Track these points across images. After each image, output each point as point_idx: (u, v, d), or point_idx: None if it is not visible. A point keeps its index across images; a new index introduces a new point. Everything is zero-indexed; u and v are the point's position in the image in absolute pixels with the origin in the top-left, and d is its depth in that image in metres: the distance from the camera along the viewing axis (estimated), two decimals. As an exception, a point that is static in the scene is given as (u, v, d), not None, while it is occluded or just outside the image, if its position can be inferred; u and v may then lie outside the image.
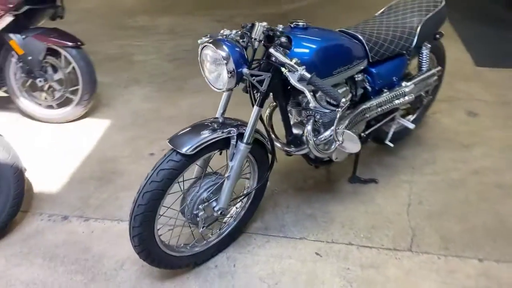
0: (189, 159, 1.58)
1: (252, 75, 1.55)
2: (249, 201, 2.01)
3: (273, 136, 2.01)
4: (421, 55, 2.27)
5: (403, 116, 2.56)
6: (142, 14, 4.95)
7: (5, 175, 2.05)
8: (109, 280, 1.89)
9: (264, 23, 1.60)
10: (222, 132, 1.63)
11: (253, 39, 1.57)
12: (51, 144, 2.87)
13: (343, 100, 1.48)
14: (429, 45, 2.24)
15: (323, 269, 1.92)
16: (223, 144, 1.67)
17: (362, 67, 1.95)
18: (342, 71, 1.81)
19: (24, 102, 2.99)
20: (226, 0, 5.33)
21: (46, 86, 2.93)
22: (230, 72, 1.50)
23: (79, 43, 2.84)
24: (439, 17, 2.21)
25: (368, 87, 2.05)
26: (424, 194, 2.32)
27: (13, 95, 2.97)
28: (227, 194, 1.74)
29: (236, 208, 2.03)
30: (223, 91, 1.59)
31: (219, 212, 1.75)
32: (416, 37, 2.11)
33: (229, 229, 2.01)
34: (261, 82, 1.60)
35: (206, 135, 1.59)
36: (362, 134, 2.17)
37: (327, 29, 1.87)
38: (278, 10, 4.97)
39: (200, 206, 1.73)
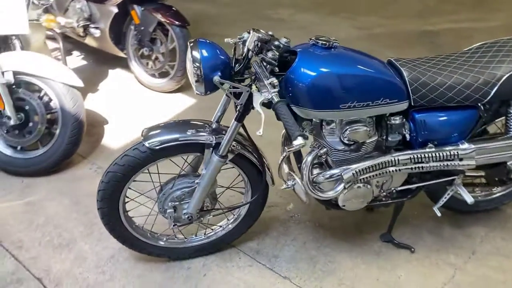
0: (154, 153, 1.55)
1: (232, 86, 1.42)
2: (241, 217, 1.88)
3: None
4: (509, 115, 1.71)
5: (485, 185, 2.01)
6: (288, 7, 4.97)
7: (66, 122, 2.37)
8: (99, 240, 2.04)
9: (262, 32, 1.43)
10: (199, 137, 1.55)
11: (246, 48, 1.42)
12: (142, 107, 3.18)
13: (298, 142, 1.22)
14: None
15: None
16: (200, 149, 1.59)
17: (399, 110, 1.58)
18: (358, 107, 1.49)
19: (134, 66, 3.38)
20: (381, 9, 4.93)
21: (153, 56, 3.24)
22: (197, 76, 1.40)
23: (185, 23, 3.04)
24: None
25: (407, 135, 1.66)
26: (465, 290, 1.80)
27: (128, 59, 3.37)
28: (195, 201, 1.66)
29: (228, 219, 1.93)
30: (199, 95, 1.50)
31: (186, 216, 1.69)
32: (494, 90, 1.58)
33: (215, 237, 1.93)
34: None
35: (179, 135, 1.54)
36: (394, 189, 1.78)
37: (360, 55, 1.57)
38: (429, 26, 4.37)
39: (170, 203, 1.69)
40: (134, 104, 3.22)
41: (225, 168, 1.73)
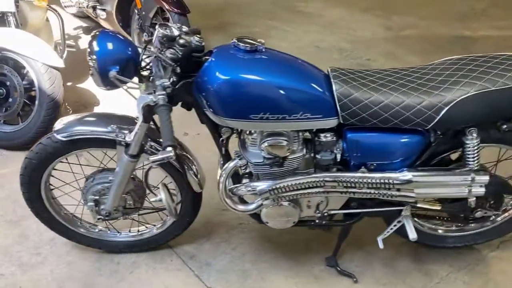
0: (65, 145, 1.51)
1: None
2: (172, 220, 1.80)
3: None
4: (465, 147, 1.45)
5: (448, 220, 1.77)
6: (320, 1, 4.73)
7: (42, 100, 2.42)
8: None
9: (174, 28, 1.33)
10: (109, 134, 1.48)
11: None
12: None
13: (166, 154, 1.10)
14: (475, 135, 1.43)
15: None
16: (113, 146, 1.52)
17: (326, 126, 1.40)
18: (272, 120, 1.34)
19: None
20: (420, 8, 4.53)
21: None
22: (92, 69, 1.33)
23: (185, 11, 2.98)
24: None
25: (338, 155, 1.47)
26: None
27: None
28: (111, 198, 1.61)
29: (162, 219, 1.86)
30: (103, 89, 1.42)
31: (103, 212, 1.65)
32: (440, 115, 1.34)
33: (148, 236, 1.87)
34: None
35: (89, 129, 1.49)
36: (328, 211, 1.60)
37: (288, 63, 1.40)
38: (467, 32, 3.94)
39: (90, 197, 1.66)
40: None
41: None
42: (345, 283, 1.79)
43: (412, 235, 1.59)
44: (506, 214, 1.81)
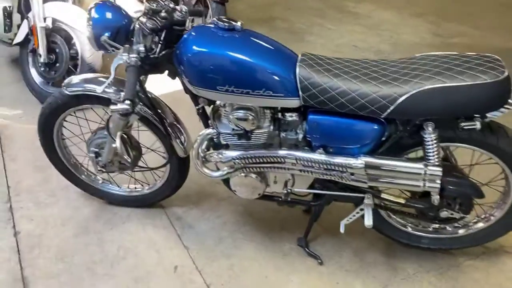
0: (71, 99, 1.76)
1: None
2: (163, 181, 2.00)
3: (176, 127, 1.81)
4: (424, 140, 1.47)
5: (416, 218, 1.77)
6: (372, 2, 4.69)
7: (82, 69, 2.75)
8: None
9: (161, 2, 1.50)
10: (106, 93, 1.70)
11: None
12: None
13: (122, 106, 1.27)
14: (431, 129, 1.44)
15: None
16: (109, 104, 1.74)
17: (289, 106, 1.50)
18: (237, 93, 1.46)
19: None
20: (476, 17, 4.32)
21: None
22: (88, 33, 1.54)
23: (223, 1, 3.18)
24: (476, 93, 1.33)
25: (300, 135, 1.56)
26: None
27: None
28: (105, 152, 1.83)
29: (155, 179, 2.07)
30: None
31: (100, 164, 1.88)
32: (395, 105, 1.37)
33: (141, 193, 2.09)
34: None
35: (91, 88, 1.71)
36: (293, 189, 1.70)
37: (262, 44, 1.51)
38: None
39: (91, 149, 1.90)
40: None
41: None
42: (309, 263, 1.87)
43: (368, 222, 1.63)
44: (483, 223, 1.78)
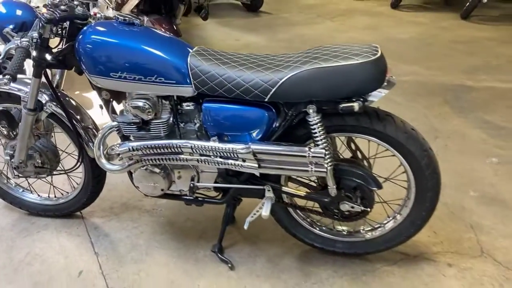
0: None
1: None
2: (80, 185, 1.97)
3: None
4: (309, 125, 1.49)
5: (322, 215, 1.74)
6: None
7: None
8: None
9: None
10: (13, 90, 1.74)
11: None
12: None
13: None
14: (312, 111, 1.46)
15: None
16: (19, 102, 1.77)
17: (183, 94, 1.54)
18: (130, 80, 1.51)
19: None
20: (433, 60, 4.51)
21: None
22: None
23: (177, 35, 3.34)
24: (349, 73, 1.37)
25: (197, 125, 1.58)
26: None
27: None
28: (17, 150, 1.83)
29: (73, 187, 2.04)
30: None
31: (13, 165, 1.87)
32: (275, 87, 1.41)
33: (57, 203, 2.07)
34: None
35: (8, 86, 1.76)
36: (193, 183, 1.69)
37: (155, 35, 1.59)
38: (469, 82, 3.82)
39: (7, 151, 1.90)
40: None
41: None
42: (220, 269, 1.81)
43: (265, 212, 1.61)
44: (392, 223, 1.74)
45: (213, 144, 1.54)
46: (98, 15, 1.65)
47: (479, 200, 2.25)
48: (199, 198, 1.76)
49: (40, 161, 1.90)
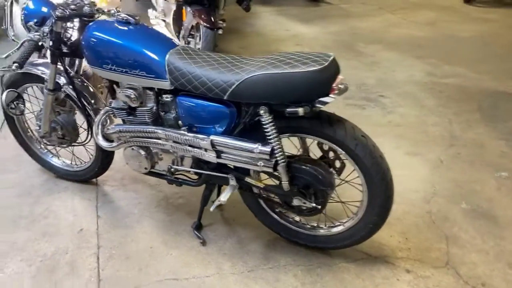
0: (21, 76, 2.16)
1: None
2: (93, 157, 2.30)
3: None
4: (262, 124, 1.63)
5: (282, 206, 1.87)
6: (379, 44, 4.78)
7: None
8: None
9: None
10: (38, 71, 2.08)
11: None
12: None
13: (9, 68, 1.62)
14: (263, 112, 1.59)
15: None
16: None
17: (162, 87, 1.75)
18: (118, 72, 1.76)
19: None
20: (482, 63, 4.24)
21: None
22: (21, 19, 1.95)
23: (213, 26, 3.57)
24: (295, 80, 1.48)
25: (173, 115, 1.80)
26: None
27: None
28: (42, 123, 2.19)
29: (89, 157, 2.38)
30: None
31: (40, 134, 2.25)
32: (232, 88, 1.56)
33: (76, 169, 2.43)
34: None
35: (33, 68, 2.11)
36: (171, 166, 1.92)
37: (148, 35, 1.81)
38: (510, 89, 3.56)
39: (37, 122, 2.28)
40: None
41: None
42: (194, 243, 2.03)
43: (223, 198, 1.80)
44: (350, 223, 1.83)
45: (182, 133, 1.75)
46: (100, 15, 1.92)
47: (468, 213, 2.21)
48: (179, 179, 1.99)
49: (61, 133, 2.26)
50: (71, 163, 2.48)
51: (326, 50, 4.72)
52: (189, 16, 3.75)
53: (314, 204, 1.74)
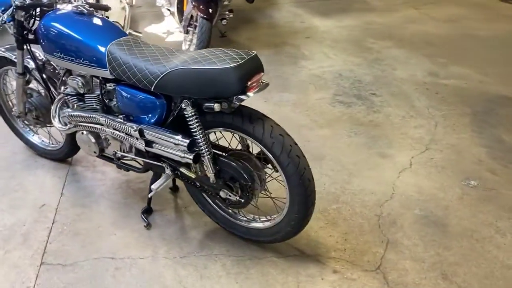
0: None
1: None
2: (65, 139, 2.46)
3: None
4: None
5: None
6: (390, 41, 4.63)
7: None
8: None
9: None
10: (5, 54, 2.25)
11: None
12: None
13: None
14: (184, 105, 1.66)
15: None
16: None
17: (103, 75, 1.84)
18: (66, 59, 1.88)
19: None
20: (496, 64, 4.00)
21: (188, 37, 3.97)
22: None
23: (209, 17, 3.64)
24: (208, 76, 1.54)
25: (114, 103, 1.89)
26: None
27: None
28: (16, 104, 2.36)
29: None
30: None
31: (15, 115, 2.43)
32: (157, 80, 1.62)
33: (51, 149, 2.60)
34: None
35: (5, 52, 2.28)
36: (115, 151, 2.03)
37: (97, 24, 1.91)
38: None
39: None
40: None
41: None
42: (139, 227, 2.14)
43: (154, 186, 1.88)
44: (279, 218, 1.85)
45: (118, 120, 1.85)
46: (59, 4, 2.03)
47: (419, 219, 2.17)
48: (125, 165, 2.10)
49: (35, 114, 2.42)
50: (49, 142, 2.66)
51: (335, 44, 4.66)
52: (189, 6, 3.83)
53: (237, 198, 1.78)
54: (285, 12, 5.75)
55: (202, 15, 3.65)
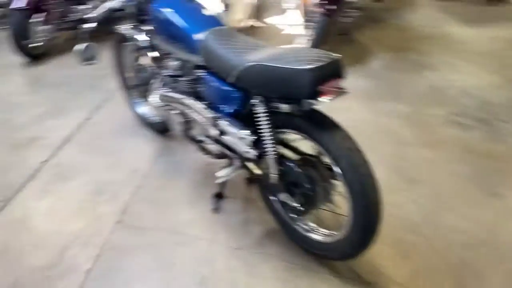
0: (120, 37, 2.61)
1: None
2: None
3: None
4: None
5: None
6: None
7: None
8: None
9: None
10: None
11: None
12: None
13: None
14: (257, 101, 1.63)
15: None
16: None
17: (197, 63, 1.89)
18: (167, 42, 2.00)
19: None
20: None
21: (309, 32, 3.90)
22: None
23: (329, 14, 3.54)
24: (282, 76, 1.47)
25: (202, 89, 1.95)
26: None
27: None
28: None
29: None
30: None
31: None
32: (235, 75, 1.62)
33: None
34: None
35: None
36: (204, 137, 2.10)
37: (197, 13, 1.98)
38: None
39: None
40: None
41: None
42: (209, 208, 2.21)
43: (220, 173, 1.91)
44: (339, 235, 1.72)
45: (200, 106, 1.92)
46: None
47: (512, 277, 1.81)
48: (205, 149, 2.17)
49: (141, 88, 2.66)
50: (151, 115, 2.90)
51: (470, 56, 4.13)
52: (312, 0, 3.76)
53: (295, 204, 1.71)
54: (422, 15, 5.29)
55: (322, 10, 3.56)
